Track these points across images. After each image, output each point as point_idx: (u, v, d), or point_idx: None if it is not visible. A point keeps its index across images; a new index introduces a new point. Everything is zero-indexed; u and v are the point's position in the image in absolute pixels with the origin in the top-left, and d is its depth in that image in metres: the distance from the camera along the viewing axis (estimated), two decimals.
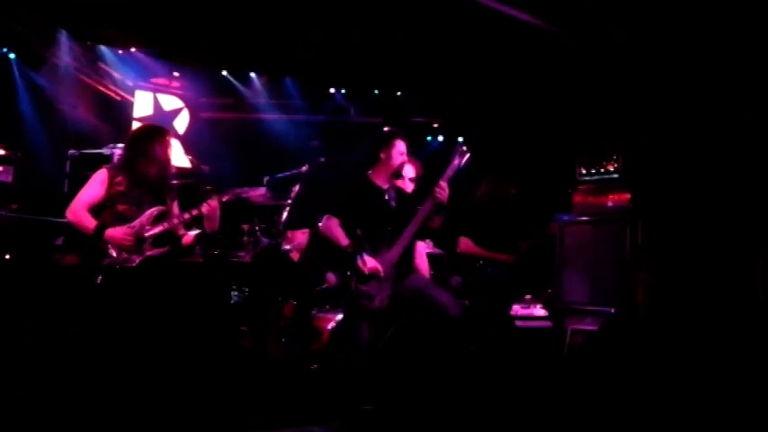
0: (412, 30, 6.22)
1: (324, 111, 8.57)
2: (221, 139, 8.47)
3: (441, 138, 8.74)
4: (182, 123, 8.53)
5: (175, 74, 8.15)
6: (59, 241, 5.28)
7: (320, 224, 4.23)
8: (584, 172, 5.62)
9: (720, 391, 3.59)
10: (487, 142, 7.51)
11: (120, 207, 3.90)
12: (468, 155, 4.13)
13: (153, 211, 3.94)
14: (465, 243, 5.18)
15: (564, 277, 5.46)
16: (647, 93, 5.65)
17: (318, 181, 5.09)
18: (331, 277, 5.15)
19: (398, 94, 8.11)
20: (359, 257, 3.90)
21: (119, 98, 8.08)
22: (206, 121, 8.77)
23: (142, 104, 8.26)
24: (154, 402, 3.59)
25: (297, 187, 5.02)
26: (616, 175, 5.43)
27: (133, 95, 8.21)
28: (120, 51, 7.45)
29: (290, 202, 5.00)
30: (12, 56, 6.60)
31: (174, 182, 4.23)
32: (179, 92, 8.52)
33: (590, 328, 5.07)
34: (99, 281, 3.75)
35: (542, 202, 6.15)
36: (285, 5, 6.09)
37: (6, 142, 5.40)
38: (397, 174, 4.38)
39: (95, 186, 3.93)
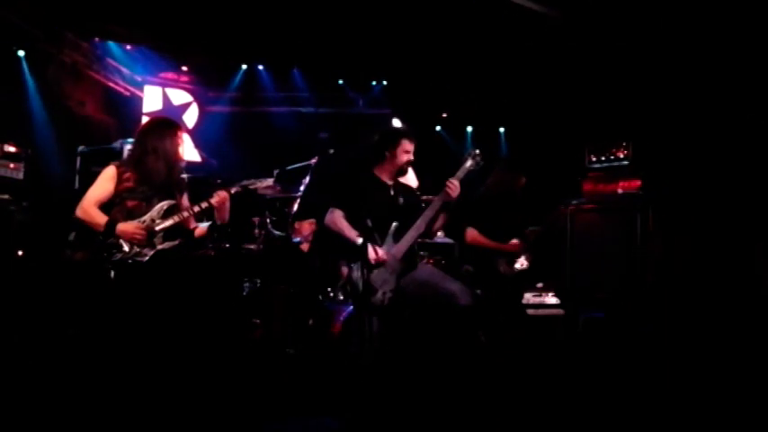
0: (419, 19, 6.19)
1: (332, 103, 8.56)
2: (230, 133, 8.48)
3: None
4: (191, 117, 8.55)
5: (184, 68, 8.16)
6: (71, 237, 5.29)
7: (326, 216, 4.23)
8: (593, 159, 5.60)
9: (726, 382, 3.60)
10: (497, 131, 7.48)
11: (130, 203, 3.89)
12: (480, 158, 4.11)
13: (163, 204, 3.94)
14: (472, 234, 5.16)
15: (574, 264, 5.45)
16: (659, 79, 5.62)
17: (327, 173, 5.08)
18: (345, 270, 5.15)
19: (406, 84, 8.08)
20: (368, 246, 3.89)
21: (128, 93, 8.10)
22: (215, 114, 8.79)
23: (151, 99, 8.28)
24: (167, 395, 3.60)
25: (306, 179, 5.02)
26: (626, 162, 5.40)
27: (142, 90, 8.23)
28: (129, 47, 7.46)
29: (300, 194, 5.00)
30: (21, 53, 6.62)
31: (184, 176, 4.22)
32: (188, 86, 8.54)
33: (601, 315, 5.06)
34: (111, 276, 3.75)
35: (551, 190, 6.12)
36: None
37: (16, 139, 5.41)
38: (402, 171, 4.36)
39: (104, 183, 3.91)
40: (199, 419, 3.51)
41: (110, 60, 7.60)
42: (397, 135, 4.32)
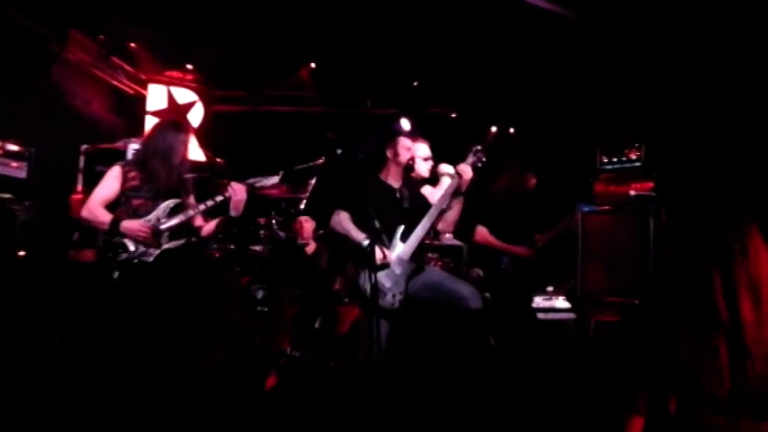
0: (429, 18, 6.13)
1: (339, 102, 8.51)
2: (235, 132, 8.42)
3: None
4: (196, 116, 8.49)
5: (189, 66, 8.10)
6: (75, 237, 5.26)
7: (332, 218, 4.19)
8: (605, 160, 5.52)
9: None
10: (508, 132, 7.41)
11: (135, 202, 3.91)
12: (483, 157, 4.09)
13: (168, 203, 3.95)
14: (482, 232, 5.11)
15: (585, 268, 5.37)
16: (673, 80, 5.56)
17: (335, 174, 5.03)
18: (351, 272, 5.09)
19: (415, 84, 8.01)
20: (375, 247, 3.83)
21: (132, 92, 8.04)
22: (220, 113, 8.73)
23: (156, 98, 8.22)
24: (170, 397, 3.57)
25: (314, 180, 4.97)
26: (638, 164, 5.33)
27: (146, 89, 8.17)
28: (133, 45, 7.41)
29: (307, 195, 4.95)
30: (24, 52, 6.57)
31: (189, 175, 4.21)
32: (193, 84, 8.48)
33: (613, 319, 4.99)
34: (116, 276, 3.74)
35: (562, 191, 6.06)
36: None
37: (20, 138, 5.37)
38: (409, 167, 4.32)
39: (109, 182, 3.93)
40: (200, 420, 3.48)
41: (115, 59, 7.55)
42: (392, 134, 4.33)
